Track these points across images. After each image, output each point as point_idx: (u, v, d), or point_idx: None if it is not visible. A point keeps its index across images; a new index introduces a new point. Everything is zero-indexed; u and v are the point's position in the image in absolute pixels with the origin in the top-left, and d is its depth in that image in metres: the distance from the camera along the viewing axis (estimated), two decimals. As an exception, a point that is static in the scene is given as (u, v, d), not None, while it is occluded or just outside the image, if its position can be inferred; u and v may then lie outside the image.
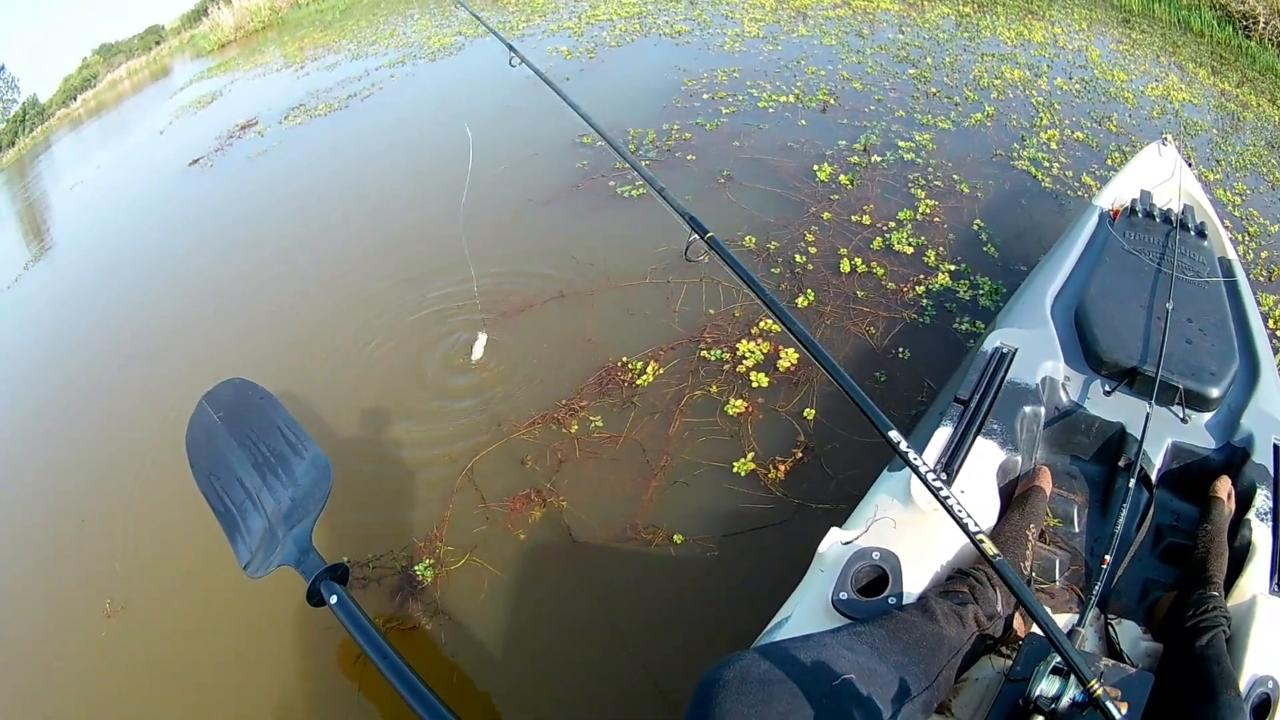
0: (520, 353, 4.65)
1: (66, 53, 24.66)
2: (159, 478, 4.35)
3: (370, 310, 5.26)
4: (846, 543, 2.51)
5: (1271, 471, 3.09)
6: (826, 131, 6.88)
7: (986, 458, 2.87)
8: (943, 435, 2.88)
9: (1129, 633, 2.67)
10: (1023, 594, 1.91)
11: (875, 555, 2.42)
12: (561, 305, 4.95)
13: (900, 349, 4.54)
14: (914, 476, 2.57)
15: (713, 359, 4.44)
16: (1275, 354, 4.91)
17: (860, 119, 7.13)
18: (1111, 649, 2.59)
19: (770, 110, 7.24)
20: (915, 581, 2.39)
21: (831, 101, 7.47)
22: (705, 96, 7.44)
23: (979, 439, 2.89)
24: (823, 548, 2.52)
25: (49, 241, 9.38)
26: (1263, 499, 2.97)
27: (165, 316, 5.99)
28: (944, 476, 2.65)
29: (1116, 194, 4.66)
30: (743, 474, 3.84)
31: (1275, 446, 3.18)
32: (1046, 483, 3.03)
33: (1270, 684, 2.31)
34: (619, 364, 4.42)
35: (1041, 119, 7.62)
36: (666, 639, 3.32)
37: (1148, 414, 3.09)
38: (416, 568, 3.58)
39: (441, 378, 4.63)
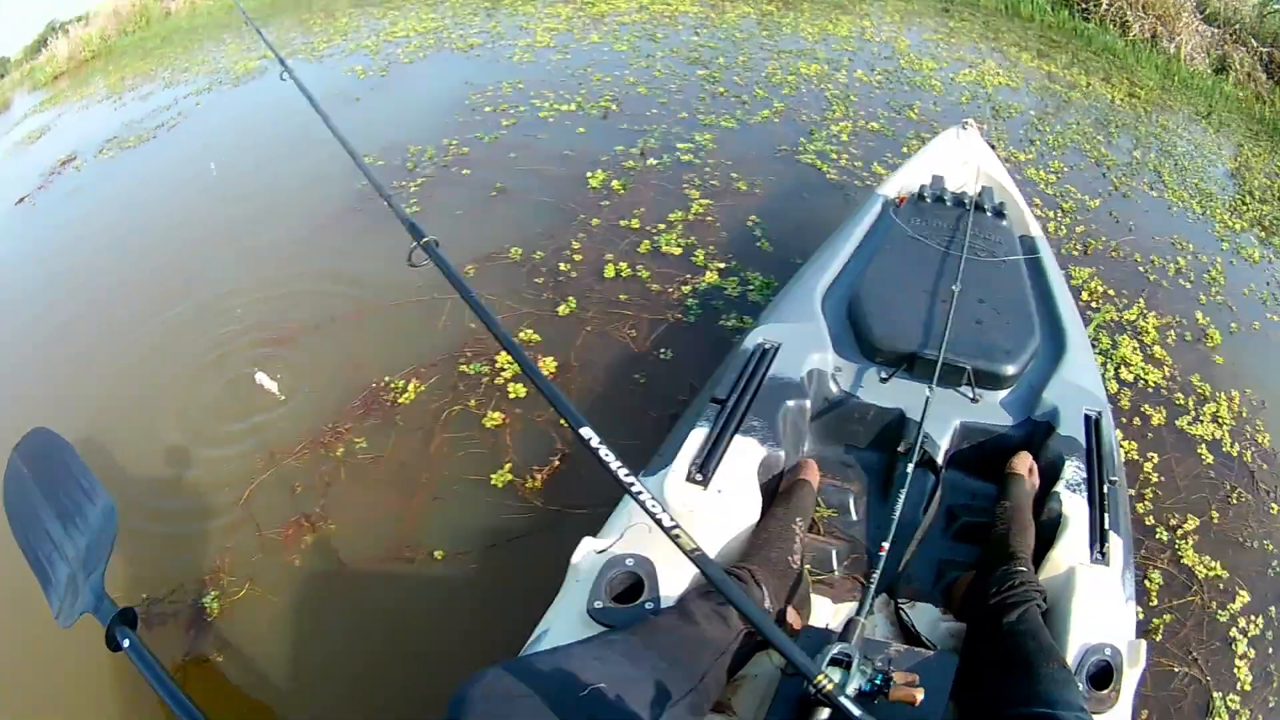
0: (291, 379, 4.56)
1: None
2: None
3: (156, 348, 5.10)
4: (600, 551, 2.46)
5: (1083, 442, 3.08)
6: (605, 138, 6.89)
7: (745, 456, 2.81)
8: (697, 437, 2.81)
9: (926, 615, 2.66)
10: (722, 585, 1.90)
11: (629, 562, 2.37)
12: (331, 329, 4.88)
13: (662, 350, 4.57)
14: (669, 479, 2.62)
15: (473, 372, 4.43)
16: (1089, 325, 5.29)
17: (641, 123, 7.15)
18: (908, 633, 2.58)
19: (550, 120, 7.21)
20: (673, 585, 2.35)
21: (614, 108, 7.49)
22: (488, 110, 7.39)
23: (737, 437, 2.84)
24: (576, 558, 2.47)
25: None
26: (1073, 470, 2.95)
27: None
28: (699, 477, 2.63)
29: (905, 181, 4.64)
30: (500, 485, 3.85)
31: (1086, 417, 3.18)
32: (813, 475, 3.00)
33: (1108, 650, 2.31)
34: (382, 384, 4.38)
35: (834, 112, 7.73)
36: (435, 655, 3.29)
37: (927, 397, 3.05)
38: (204, 600, 3.52)
39: (219, 410, 4.53)
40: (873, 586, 2.34)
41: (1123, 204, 7.33)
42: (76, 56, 16.09)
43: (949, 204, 4.34)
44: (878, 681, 1.86)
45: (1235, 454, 4.90)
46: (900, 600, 2.70)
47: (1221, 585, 4.18)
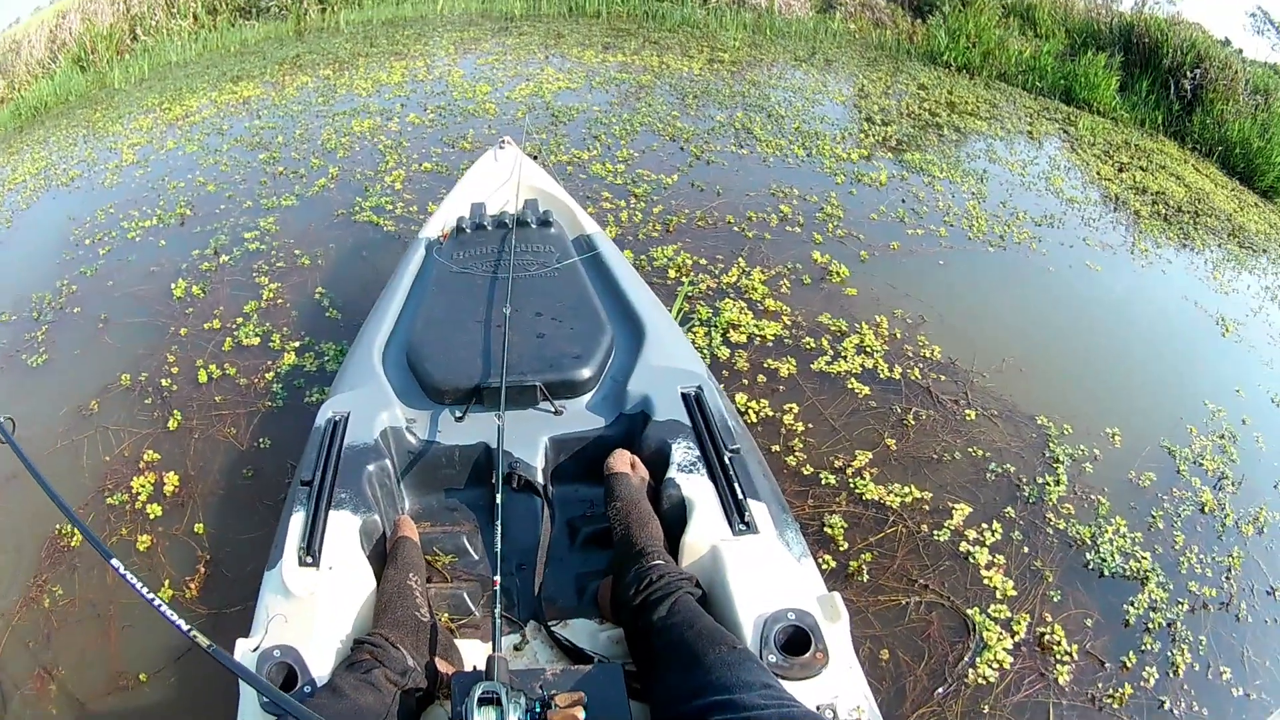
0: None
1: None
2: None
3: None
4: (255, 649, 2.44)
5: (686, 422, 3.18)
6: (183, 245, 7.15)
7: (344, 529, 2.84)
8: (298, 520, 2.83)
9: (584, 629, 2.73)
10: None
11: (276, 654, 2.38)
12: (5, 486, 4.87)
13: (261, 440, 4.88)
14: (284, 568, 2.65)
15: (116, 503, 4.61)
16: (675, 302, 5.61)
17: (212, 222, 7.44)
18: (572, 653, 2.63)
19: (137, 239, 7.42)
20: (322, 665, 2.39)
21: (188, 212, 7.76)
22: (87, 242, 7.56)
23: (331, 513, 2.86)
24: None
25: None
26: (682, 452, 3.04)
27: None
28: (309, 560, 2.68)
29: (446, 217, 4.72)
30: (167, 600, 3.90)
31: (684, 395, 3.30)
32: (410, 530, 3.03)
33: (791, 615, 2.36)
34: (56, 531, 4.52)
35: (388, 162, 8.20)
36: None
37: (498, 425, 3.10)
38: None
39: None
40: (497, 619, 2.35)
41: (706, 171, 7.80)
42: None
43: (490, 228, 4.40)
44: (536, 710, 1.92)
45: (898, 377, 5.22)
46: (550, 622, 2.74)
47: (927, 507, 4.41)
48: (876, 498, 4.41)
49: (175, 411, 5.18)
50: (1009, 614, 3.89)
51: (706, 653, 2.16)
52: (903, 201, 7.64)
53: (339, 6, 14.60)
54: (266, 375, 5.40)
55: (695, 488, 2.88)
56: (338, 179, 8.00)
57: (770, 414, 4.91)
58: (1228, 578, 4.31)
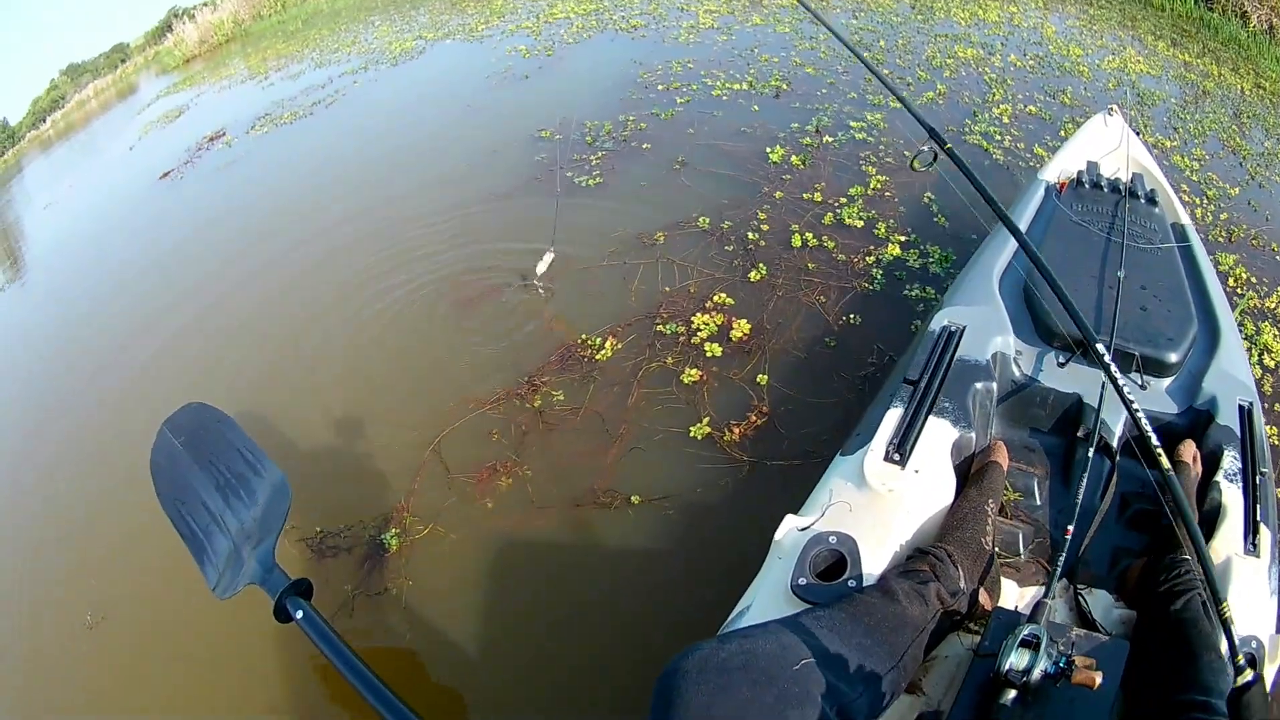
0: (486, 334, 4.82)
1: (34, 74, 24.47)
2: (134, 498, 4.28)
3: (342, 299, 5.41)
4: (803, 529, 2.51)
5: (1238, 432, 3.12)
6: (780, 116, 7.06)
7: (940, 437, 2.89)
8: (893, 417, 2.89)
9: (1101, 602, 2.70)
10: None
11: (832, 540, 2.43)
12: (524, 290, 5.10)
13: (851, 315, 4.71)
14: (868, 459, 2.69)
15: (668, 333, 4.62)
16: (1234, 310, 5.08)
17: (813, 102, 7.31)
18: (1084, 619, 2.61)
19: (724, 98, 7.43)
20: (875, 563, 2.42)
21: (785, 87, 7.66)
22: (660, 88, 7.66)
23: (931, 418, 2.92)
24: (779, 535, 2.53)
25: (23, 263, 9.45)
26: (1230, 460, 3.00)
27: (137, 333, 6.04)
28: (897, 457, 2.73)
29: (1063, 167, 4.67)
30: (699, 437, 4.00)
31: (1240, 408, 3.22)
32: (1003, 457, 3.06)
33: (1254, 643, 2.36)
34: (579, 341, 4.59)
35: (994, 95, 7.78)
36: (629, 610, 3.46)
37: (1104, 383, 3.11)
38: (384, 537, 3.73)
39: (405, 362, 4.81)
40: (1059, 571, 2.43)
41: (1260, 194, 7.22)
42: (208, 40, 16.63)
43: (1106, 190, 4.38)
44: (1061, 664, 1.91)
45: None
46: (1079, 585, 2.73)
47: None
48: None
49: (761, 265, 5.12)
50: None
51: (1202, 654, 2.18)
52: None
53: None
54: (867, 259, 5.22)
55: (1231, 498, 2.84)
56: (945, 97, 7.74)
57: (1276, 443, 4.47)
58: None
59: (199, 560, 3.08)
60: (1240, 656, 2.15)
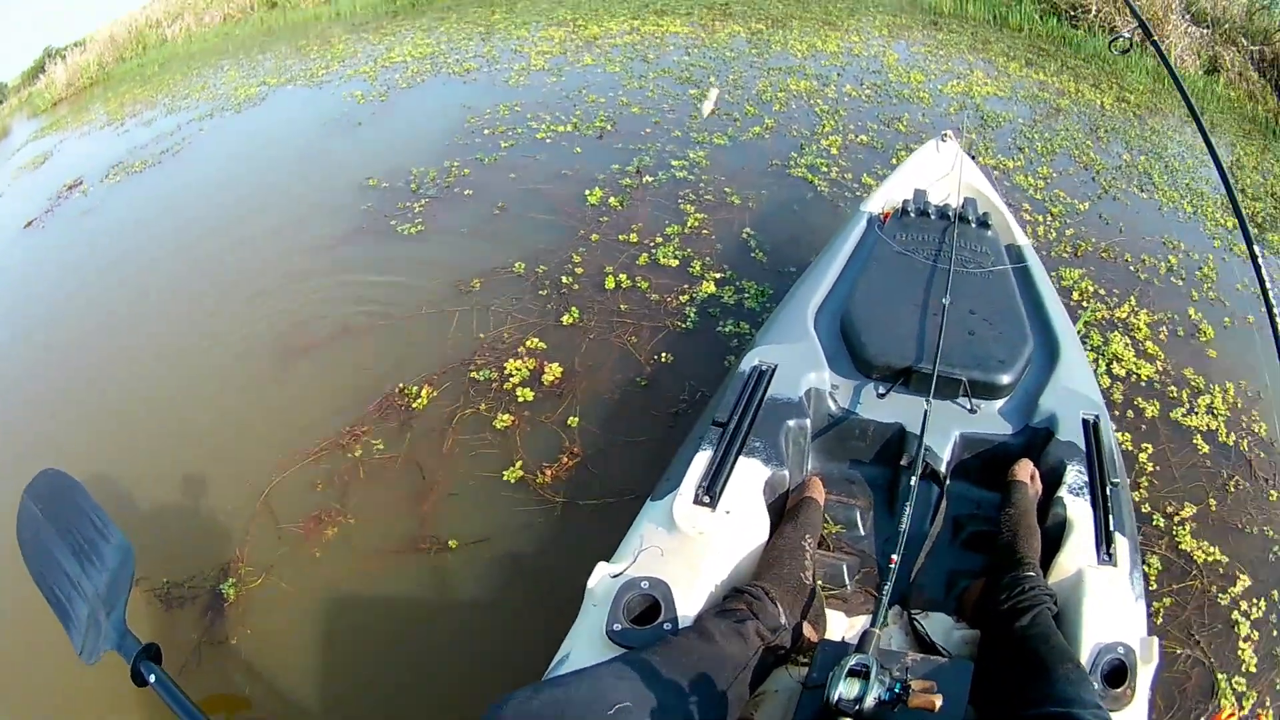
0: (310, 384, 5.05)
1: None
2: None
3: (178, 354, 5.61)
4: (615, 575, 2.55)
5: (1082, 446, 3.25)
6: (602, 157, 7.36)
7: (750, 477, 2.96)
8: (702, 460, 2.94)
9: (940, 625, 2.82)
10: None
11: (644, 585, 2.47)
12: (346, 339, 5.32)
13: (663, 354, 4.98)
14: (677, 503, 2.75)
15: (482, 379, 4.84)
16: (1077, 323, 5.60)
17: (636, 142, 7.62)
18: (923, 643, 2.73)
19: (548, 141, 7.73)
20: (690, 606, 2.47)
21: (609, 128, 7.97)
22: (486, 132, 7.94)
23: (741, 459, 2.98)
24: (592, 583, 2.57)
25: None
26: (1074, 475, 3.12)
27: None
28: (707, 499, 2.78)
29: (889, 196, 4.80)
30: (513, 481, 4.25)
31: (1084, 421, 3.35)
32: (818, 493, 3.14)
33: (1120, 649, 2.44)
34: (396, 390, 4.80)
35: (825, 126, 8.12)
36: (454, 656, 3.67)
37: (926, 410, 3.20)
38: (222, 587, 3.90)
39: (237, 416, 4.98)
40: (885, 598, 2.39)
41: (1113, 206, 7.64)
42: (75, 83, 16.37)
43: (933, 217, 4.49)
44: (896, 690, 1.96)
45: (1231, 444, 5.20)
46: (913, 611, 2.84)
47: (1221, 570, 4.44)
48: (1189, 550, 4.47)
49: (573, 308, 5.33)
50: (1245, 688, 3.93)
51: (1055, 667, 2.26)
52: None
53: None
54: (680, 297, 5.48)
55: (1077, 511, 2.95)
56: (773, 130, 8.05)
57: (1129, 448, 4.97)
58: None
59: (66, 627, 3.11)
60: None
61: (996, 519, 3.04)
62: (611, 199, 6.61)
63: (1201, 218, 8.26)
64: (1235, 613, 4.23)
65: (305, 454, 4.52)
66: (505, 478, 4.27)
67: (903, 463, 3.19)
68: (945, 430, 3.31)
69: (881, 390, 3.47)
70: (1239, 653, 4.06)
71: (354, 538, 4.08)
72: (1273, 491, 5.00)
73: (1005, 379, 3.49)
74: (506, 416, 4.60)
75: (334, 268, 6.05)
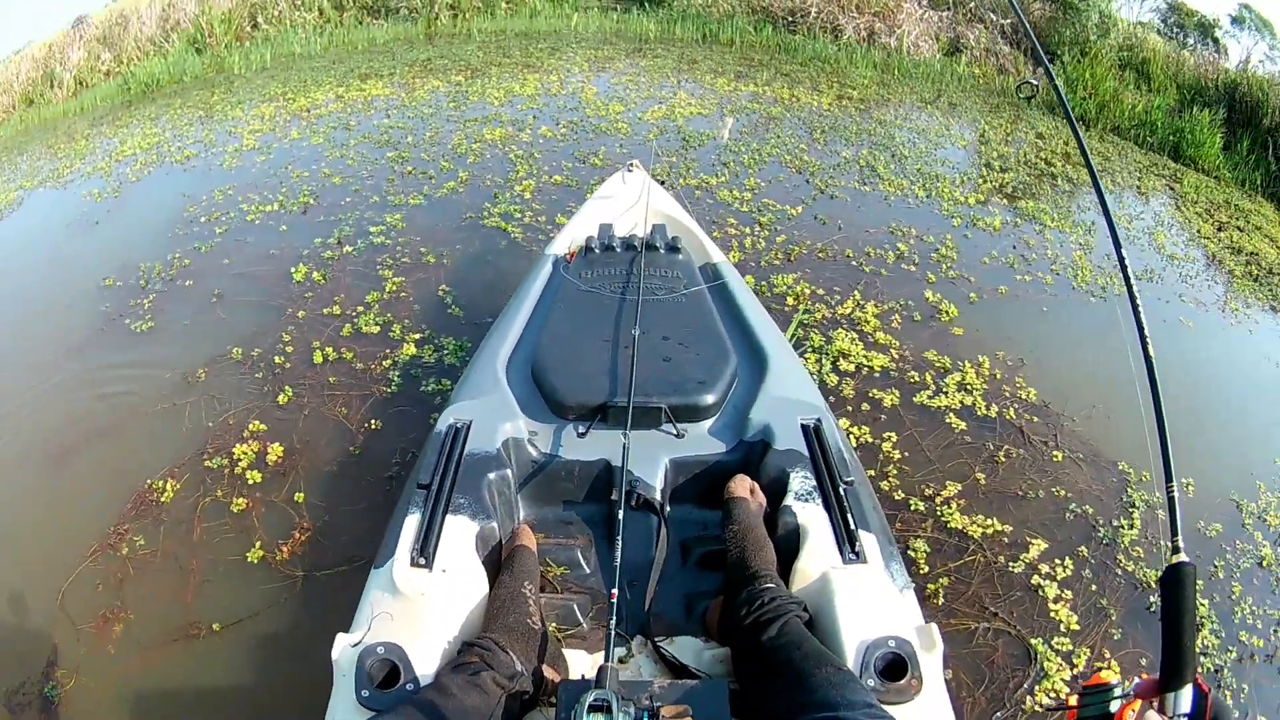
0: (75, 490, 5.19)
1: None
2: None
3: None
4: (355, 644, 2.53)
5: (805, 452, 3.29)
6: (306, 232, 7.62)
7: (460, 534, 2.97)
8: (412, 523, 2.95)
9: (689, 647, 2.86)
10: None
11: (380, 650, 2.47)
12: (99, 441, 5.50)
13: (373, 420, 5.29)
14: (395, 568, 2.76)
15: (215, 466, 5.05)
16: (789, 328, 5.96)
17: (337, 213, 7.92)
18: (676, 669, 2.76)
19: (256, 222, 7.94)
20: (427, 665, 2.50)
21: (312, 201, 8.24)
22: (203, 220, 8.11)
23: (449, 518, 2.98)
24: (335, 654, 2.54)
25: None
26: (800, 481, 3.16)
27: None
28: (422, 561, 2.80)
29: (573, 236, 4.85)
30: (255, 561, 4.49)
31: (804, 427, 3.41)
32: (529, 539, 3.18)
33: (891, 642, 2.48)
34: (145, 486, 4.99)
35: (518, 171, 8.61)
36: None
37: (624, 444, 3.17)
38: (47, 690, 4.03)
39: (18, 521, 5.05)
40: (611, 632, 2.40)
41: (830, 205, 8.18)
42: None
43: (619, 250, 4.52)
44: (645, 718, 2.03)
45: (994, 415, 5.51)
46: (657, 638, 2.87)
47: (1006, 539, 4.66)
48: (960, 527, 4.69)
49: (286, 387, 5.60)
50: (1071, 647, 4.12)
51: (813, 673, 2.27)
52: (1014, 248, 7.96)
53: (471, 14, 15.11)
54: (384, 362, 5.80)
55: (810, 516, 3.01)
56: (467, 183, 8.47)
57: (870, 440, 5.24)
58: (1276, 632, 4.46)
59: None
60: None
61: (721, 537, 3.08)
62: (315, 274, 6.90)
63: (937, 199, 8.80)
64: (1035, 577, 4.47)
65: (83, 556, 4.64)
66: (249, 559, 4.50)
67: (613, 497, 3.14)
68: (653, 459, 3.35)
69: (581, 430, 3.49)
70: (1053, 614, 4.29)
71: (136, 632, 4.21)
72: (1056, 452, 5.38)
73: (708, 399, 3.53)
74: (241, 500, 4.82)
75: (80, 372, 6.09)
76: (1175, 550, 1.92)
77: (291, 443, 5.21)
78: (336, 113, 10.88)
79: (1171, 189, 10.87)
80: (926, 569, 4.46)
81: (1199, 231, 9.60)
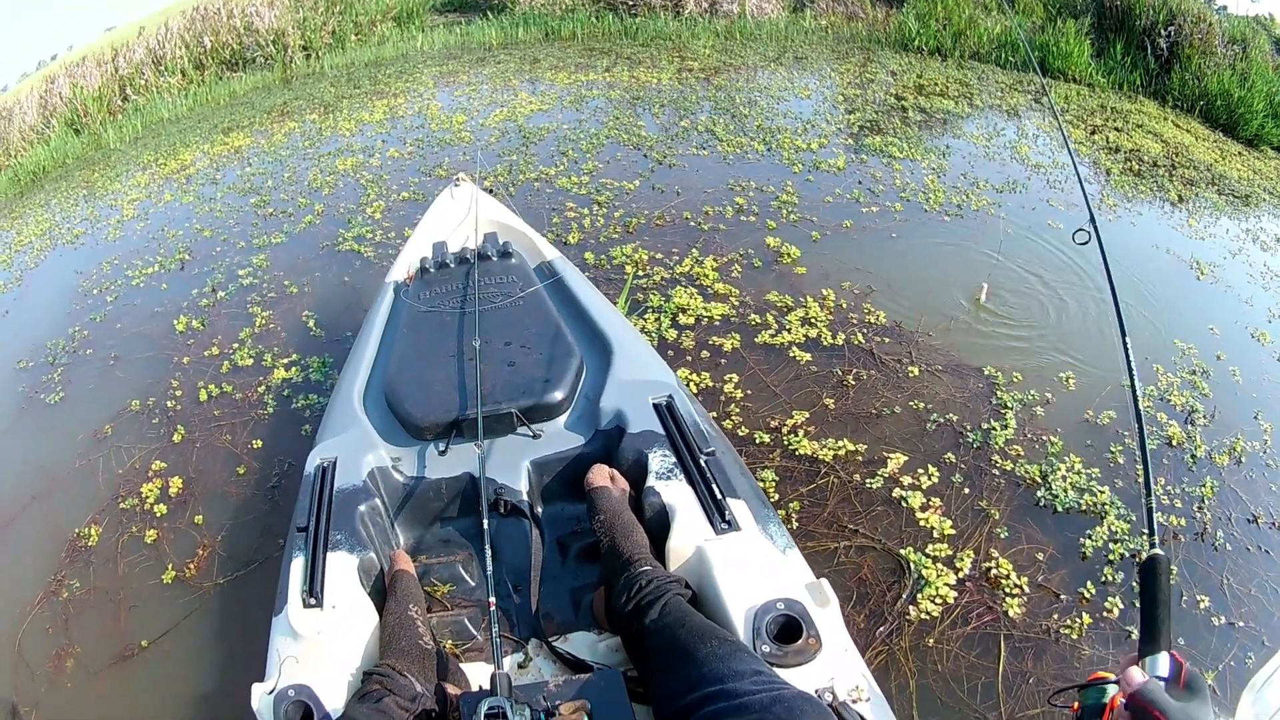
0: (19, 548, 5.60)
1: None
2: None
3: None
4: (270, 691, 2.57)
5: (661, 431, 3.34)
6: (184, 286, 8.07)
7: (342, 569, 2.99)
8: (298, 566, 2.97)
9: (585, 642, 2.90)
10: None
11: (291, 693, 2.51)
12: (33, 504, 5.91)
13: (253, 442, 5.80)
14: (290, 612, 2.80)
15: (130, 507, 5.53)
16: (622, 294, 6.18)
17: (210, 263, 8.37)
18: (575, 665, 2.78)
19: (141, 285, 8.35)
20: (336, 700, 2.54)
21: (187, 257, 8.68)
22: (95, 292, 8.47)
23: (330, 555, 3.01)
24: (254, 705, 2.58)
25: None
26: (659, 460, 3.19)
27: None
28: (313, 601, 2.83)
29: (409, 260, 4.90)
30: (170, 581, 4.91)
31: (655, 406, 3.46)
32: (406, 564, 3.21)
33: (780, 605, 2.50)
34: (74, 535, 5.43)
35: (369, 194, 9.05)
36: None
37: (478, 454, 3.26)
38: None
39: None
40: (495, 638, 2.45)
41: (667, 175, 8.50)
42: None
43: (453, 265, 4.58)
44: (542, 718, 2.07)
45: (840, 343, 5.70)
46: (551, 638, 2.90)
47: (860, 458, 4.77)
48: (809, 453, 4.83)
49: (179, 427, 6.09)
50: (950, 551, 4.22)
51: (698, 648, 2.29)
52: (859, 183, 8.23)
53: (322, 52, 15.38)
54: (259, 389, 6.31)
55: (675, 493, 3.03)
56: (323, 214, 8.89)
57: (710, 384, 5.45)
58: (1200, 508, 4.56)
59: None
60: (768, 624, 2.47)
61: (591, 529, 3.10)
62: (194, 322, 7.38)
63: (777, 151, 9.11)
64: (897, 490, 4.59)
65: (32, 606, 5.02)
66: (165, 580, 4.92)
67: (483, 508, 3.09)
68: (514, 464, 3.43)
69: (441, 448, 3.56)
70: (922, 522, 4.40)
71: (85, 663, 4.56)
72: (912, 368, 5.56)
73: (557, 396, 3.60)
74: (153, 531, 5.29)
75: (10, 450, 6.59)
76: (1153, 545, 2.05)
77: (188, 474, 5.69)
78: (204, 169, 11.15)
79: (1038, 103, 11.22)
80: (776, 497, 4.53)
81: (1069, 137, 9.82)
